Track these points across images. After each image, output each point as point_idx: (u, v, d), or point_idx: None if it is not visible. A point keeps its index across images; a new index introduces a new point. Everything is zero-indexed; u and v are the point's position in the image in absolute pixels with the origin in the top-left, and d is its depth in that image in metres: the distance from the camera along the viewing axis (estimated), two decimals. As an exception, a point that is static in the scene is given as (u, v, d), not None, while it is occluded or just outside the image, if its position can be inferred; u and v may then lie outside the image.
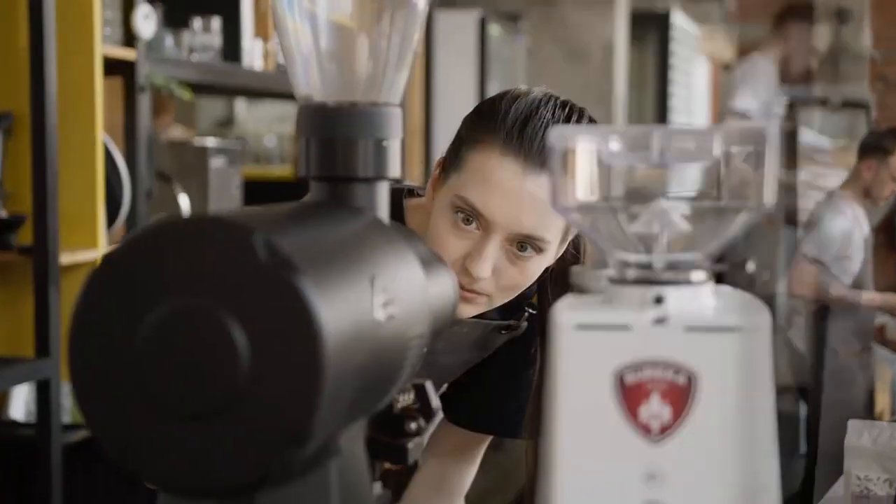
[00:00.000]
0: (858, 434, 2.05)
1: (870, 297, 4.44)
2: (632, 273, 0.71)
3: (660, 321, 0.68)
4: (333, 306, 0.62)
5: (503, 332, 1.44)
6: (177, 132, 4.74)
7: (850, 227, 4.41)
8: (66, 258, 2.42)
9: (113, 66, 2.66)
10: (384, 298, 0.70)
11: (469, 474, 1.55)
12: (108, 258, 0.63)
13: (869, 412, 4.32)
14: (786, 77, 4.59)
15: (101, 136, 2.51)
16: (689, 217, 0.71)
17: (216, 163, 3.11)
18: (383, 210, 0.82)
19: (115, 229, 2.60)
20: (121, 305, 0.62)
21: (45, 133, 2.37)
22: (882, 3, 10.04)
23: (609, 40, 5.67)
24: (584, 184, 0.72)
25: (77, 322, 0.63)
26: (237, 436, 0.61)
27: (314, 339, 0.60)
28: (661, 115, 7.31)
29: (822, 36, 4.70)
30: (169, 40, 2.96)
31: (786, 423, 4.46)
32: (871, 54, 9.85)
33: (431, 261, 0.86)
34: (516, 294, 1.32)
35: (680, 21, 7.43)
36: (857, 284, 4.37)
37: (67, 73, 2.46)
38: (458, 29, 5.51)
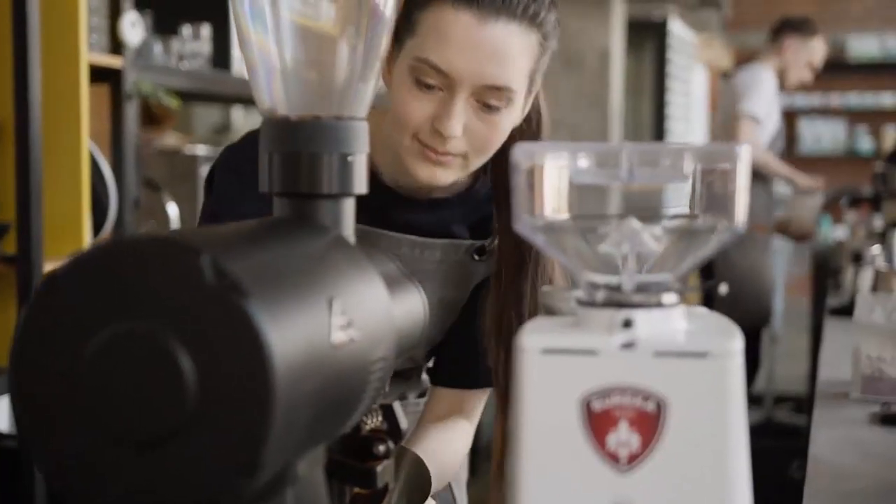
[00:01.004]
0: (869, 308, 1.90)
1: (780, 166, 4.51)
2: (601, 295, 0.69)
3: (628, 346, 0.66)
4: (285, 330, 0.60)
5: (476, 256, 1.40)
6: (172, 139, 4.71)
7: (774, 93, 4.44)
8: (50, 266, 2.40)
9: (100, 74, 2.63)
10: (343, 321, 0.67)
11: (469, 431, 1.49)
12: (52, 278, 0.60)
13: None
14: (782, 88, 4.60)
15: (86, 143, 2.48)
16: (661, 237, 0.68)
17: (206, 171, 3.08)
18: (349, 227, 0.79)
19: (101, 238, 2.58)
20: (65, 327, 0.60)
21: (29, 140, 2.34)
22: None
23: (605, 48, 5.65)
24: (551, 202, 0.69)
25: (20, 343, 0.61)
26: (183, 465, 0.59)
27: (263, 366, 0.58)
28: (659, 122, 7.28)
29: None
30: (158, 47, 2.93)
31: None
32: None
33: (398, 279, 0.83)
34: (490, 154, 1.29)
35: (677, 29, 7.41)
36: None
37: (53, 81, 2.44)
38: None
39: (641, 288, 0.68)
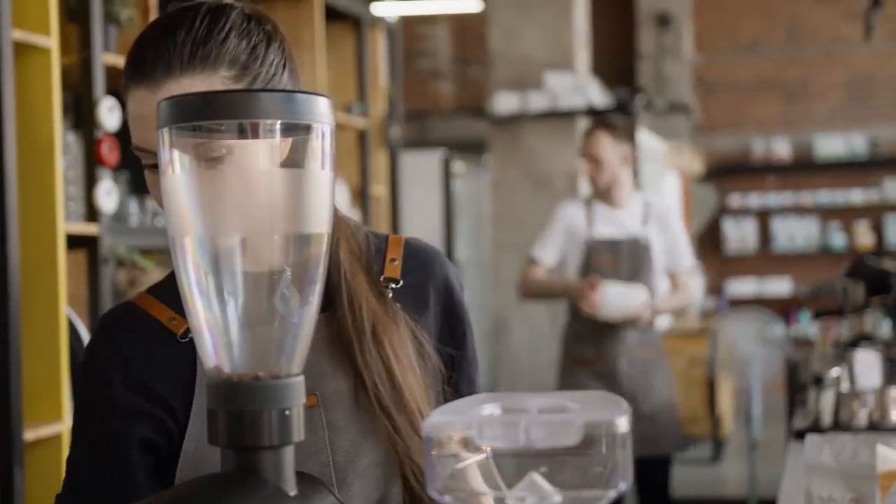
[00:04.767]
0: (818, 450, 1.95)
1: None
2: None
3: None
4: None
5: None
6: (156, 275, 4.81)
7: (569, 225, 4.23)
8: (30, 434, 2.46)
9: (76, 241, 2.74)
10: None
11: None
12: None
13: None
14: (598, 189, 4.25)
15: (64, 312, 2.57)
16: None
17: (183, 320, 3.16)
18: (288, 472, 0.88)
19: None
20: None
21: (8, 311, 2.43)
22: (703, 8, 10.37)
23: (572, 168, 5.80)
24: (457, 465, 0.78)
25: None
26: None
27: None
28: (632, 232, 7.41)
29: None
30: (134, 206, 3.05)
31: None
32: (693, 59, 10.02)
33: (336, 515, 0.92)
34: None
35: (646, 140, 7.59)
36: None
37: (31, 251, 2.53)
38: (424, 167, 5.68)
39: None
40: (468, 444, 0.79)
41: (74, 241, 2.72)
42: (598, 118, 4.43)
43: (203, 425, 1.22)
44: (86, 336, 2.65)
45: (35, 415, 2.52)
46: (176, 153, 0.88)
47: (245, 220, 0.88)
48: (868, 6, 5.47)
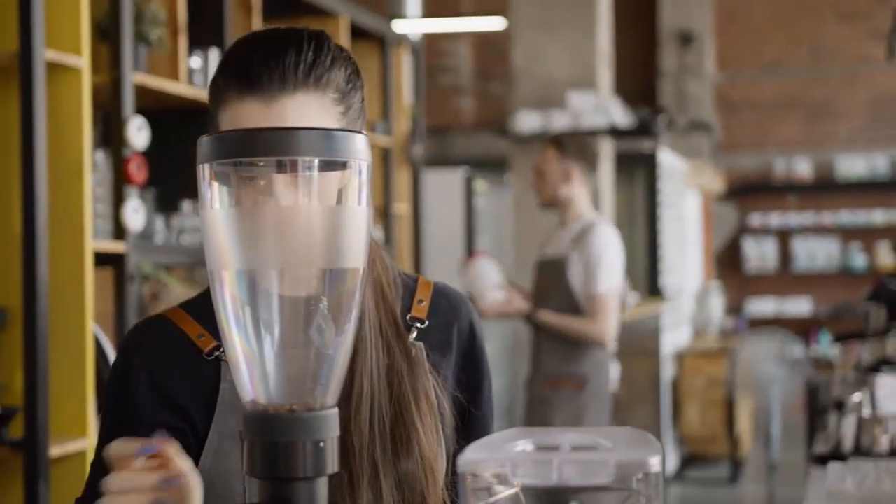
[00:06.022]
0: (841, 478, 1.97)
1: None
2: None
3: None
4: None
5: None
6: (178, 290, 4.83)
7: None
8: (56, 450, 2.48)
9: (104, 258, 2.76)
10: None
11: None
12: None
13: None
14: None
15: (91, 329, 2.60)
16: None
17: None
18: (322, 503, 0.89)
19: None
20: None
21: (36, 328, 2.46)
22: (725, 27, 10.33)
23: (595, 186, 5.79)
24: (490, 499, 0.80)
25: None
26: None
27: None
28: (652, 251, 7.42)
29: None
30: (160, 223, 3.07)
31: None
32: (715, 78, 9.98)
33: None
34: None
35: (667, 159, 7.60)
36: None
37: (59, 269, 2.56)
38: (446, 185, 5.69)
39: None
40: (502, 480, 0.81)
41: (101, 259, 2.75)
42: (552, 136, 4.51)
43: (221, 443, 1.24)
44: (111, 353, 2.68)
45: (61, 431, 2.54)
46: (216, 188, 0.90)
47: (282, 254, 0.90)
48: (892, 26, 5.45)
